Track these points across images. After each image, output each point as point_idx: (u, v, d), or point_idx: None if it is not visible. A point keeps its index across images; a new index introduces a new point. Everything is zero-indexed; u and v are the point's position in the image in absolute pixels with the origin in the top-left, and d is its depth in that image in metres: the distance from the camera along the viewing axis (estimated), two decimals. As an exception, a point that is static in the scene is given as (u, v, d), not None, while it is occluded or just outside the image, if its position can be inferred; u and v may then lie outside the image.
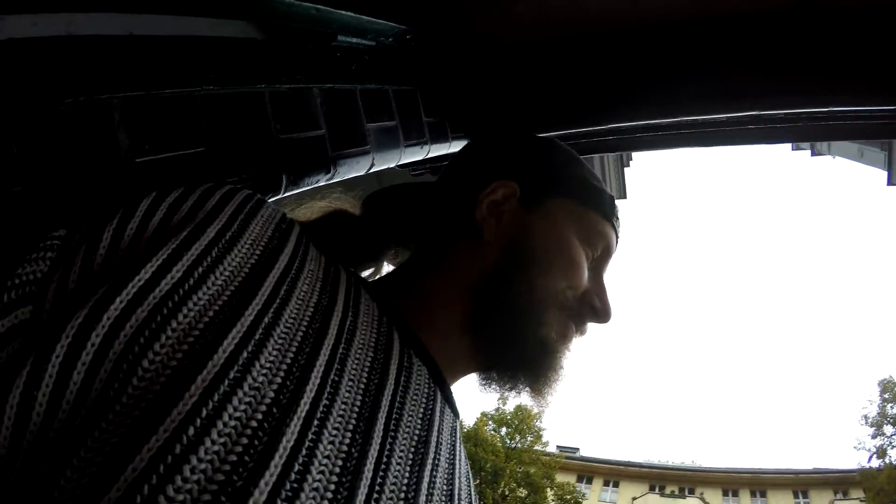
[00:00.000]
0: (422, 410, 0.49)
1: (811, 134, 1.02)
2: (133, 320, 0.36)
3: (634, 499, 17.69)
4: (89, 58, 0.49)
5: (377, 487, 0.39)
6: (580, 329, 0.63)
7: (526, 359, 0.59)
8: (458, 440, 0.54)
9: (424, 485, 0.44)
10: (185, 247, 0.41)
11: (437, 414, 0.50)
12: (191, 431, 0.32)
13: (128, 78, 0.51)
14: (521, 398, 0.63)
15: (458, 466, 0.52)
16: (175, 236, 0.42)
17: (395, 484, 0.41)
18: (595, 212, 0.64)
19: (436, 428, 0.49)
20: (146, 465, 0.31)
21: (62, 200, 0.46)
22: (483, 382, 0.62)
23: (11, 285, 0.38)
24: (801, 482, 16.91)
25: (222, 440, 0.33)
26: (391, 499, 0.40)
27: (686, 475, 18.48)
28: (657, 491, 17.99)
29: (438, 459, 0.48)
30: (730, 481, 17.81)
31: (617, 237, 0.67)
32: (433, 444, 0.48)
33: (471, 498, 0.55)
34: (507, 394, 0.62)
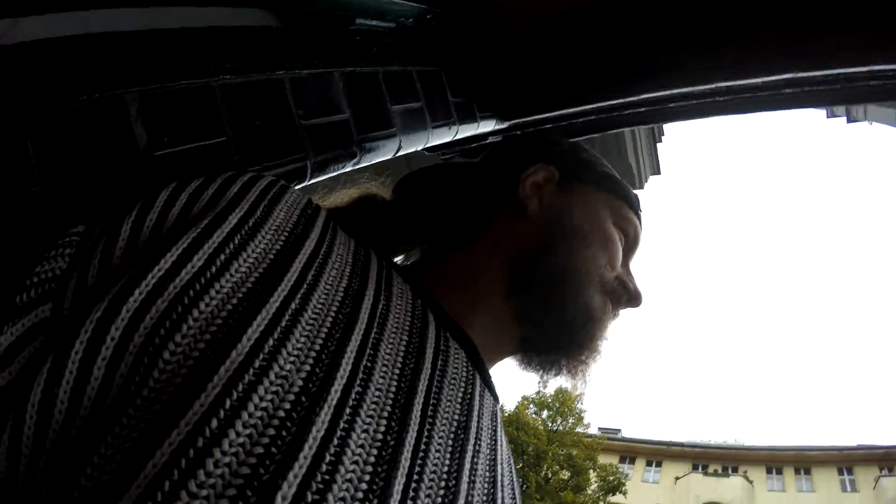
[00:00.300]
0: (460, 395, 0.46)
1: (850, 96, 0.97)
2: (153, 311, 0.35)
3: (677, 478, 17.50)
4: (102, 54, 0.48)
5: (416, 476, 0.37)
6: (615, 311, 0.64)
7: (567, 327, 0.59)
8: (498, 425, 0.52)
9: (466, 471, 0.42)
10: (206, 235, 0.40)
11: (477, 398, 0.48)
12: (214, 424, 0.31)
13: (142, 72, 0.50)
14: (559, 380, 0.63)
15: (499, 452, 0.49)
16: (196, 225, 0.40)
17: (434, 472, 0.39)
18: (623, 201, 0.67)
19: (475, 412, 0.47)
20: (167, 461, 0.29)
21: (82, 199, 0.45)
22: (522, 361, 0.62)
23: (30, 284, 0.37)
24: (845, 459, 16.52)
25: (248, 432, 0.31)
26: (431, 487, 0.38)
27: (729, 453, 18.21)
28: (700, 470, 17.76)
29: (479, 445, 0.45)
30: (773, 459, 17.53)
31: (642, 229, 0.70)
32: (473, 429, 0.46)
33: (513, 484, 0.53)
34: (544, 373, 0.62)
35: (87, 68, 0.47)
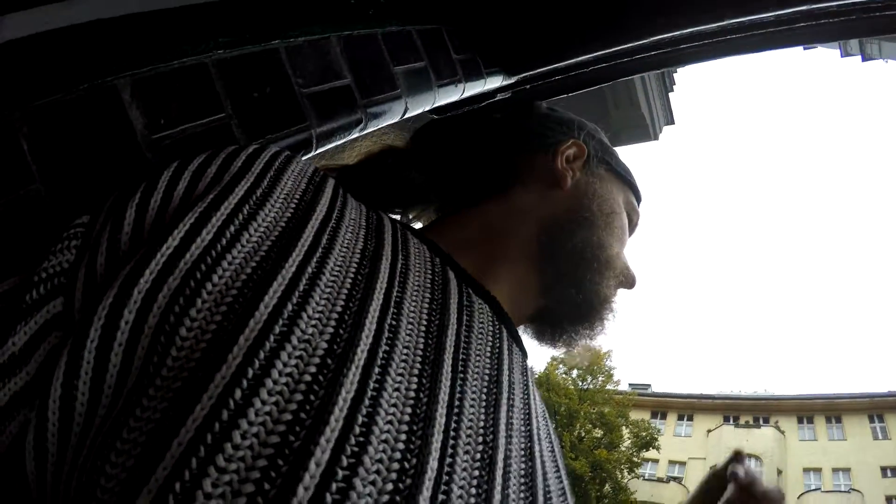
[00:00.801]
0: (489, 349, 0.45)
1: (867, 28, 0.91)
2: (165, 290, 0.34)
3: (709, 431, 17.60)
4: (89, 43, 0.46)
5: (452, 433, 0.36)
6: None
7: (587, 305, 0.60)
8: (529, 380, 0.50)
9: (502, 426, 0.41)
10: (213, 208, 0.38)
11: (506, 352, 0.47)
12: (237, 395, 0.30)
13: (132, 56, 0.48)
14: (547, 348, 0.65)
15: (533, 406, 0.48)
16: (202, 201, 0.39)
17: (471, 427, 0.38)
18: (634, 193, 0.70)
19: (506, 366, 0.46)
20: (192, 437, 0.28)
21: (84, 192, 0.43)
22: (535, 331, 0.62)
23: (39, 280, 0.36)
24: (876, 406, 16.51)
25: (273, 399, 0.30)
26: (469, 443, 0.37)
27: (759, 404, 18.31)
28: (731, 422, 17.84)
29: (513, 399, 0.44)
30: (804, 408, 17.61)
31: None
32: (505, 383, 0.44)
33: (550, 437, 0.51)
34: (555, 345, 0.62)
35: (74, 59, 0.45)
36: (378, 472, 0.30)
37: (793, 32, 0.93)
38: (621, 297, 0.67)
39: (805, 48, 1.03)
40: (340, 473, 0.29)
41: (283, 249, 0.38)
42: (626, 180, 0.69)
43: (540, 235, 0.59)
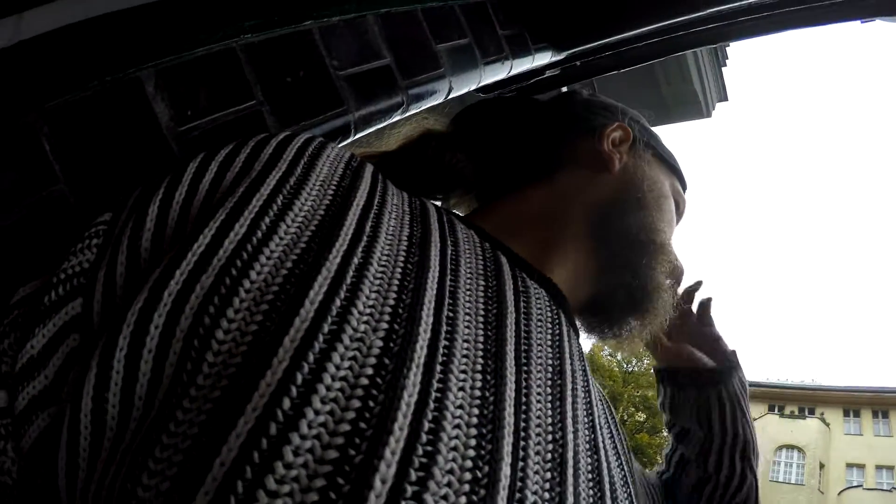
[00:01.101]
0: (549, 337, 0.42)
1: None
2: (198, 290, 0.30)
3: (754, 419, 17.17)
4: (109, 36, 0.44)
5: (522, 434, 0.32)
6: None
7: (642, 292, 0.56)
8: (585, 363, 0.47)
9: (569, 420, 0.37)
10: (244, 202, 0.35)
11: (566, 339, 0.44)
12: (286, 404, 0.26)
13: (155, 46, 0.45)
14: (613, 343, 0.61)
15: (593, 393, 0.44)
16: (231, 194, 0.36)
17: (539, 426, 0.34)
18: (679, 180, 0.67)
19: (567, 354, 0.42)
20: (237, 457, 0.24)
21: (108, 189, 0.41)
22: (585, 322, 0.59)
23: (58, 281, 0.34)
24: None
25: (328, 408, 0.27)
26: (539, 443, 0.33)
27: (806, 394, 17.74)
28: (776, 411, 17.38)
29: (577, 389, 0.41)
30: (851, 400, 16.91)
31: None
32: (569, 372, 0.41)
33: (609, 423, 0.48)
34: (606, 336, 0.59)
35: (94, 53, 0.43)
36: (449, 484, 0.27)
37: (856, 3, 0.86)
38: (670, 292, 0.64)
39: (863, 21, 0.95)
40: (409, 490, 0.25)
41: (324, 240, 0.35)
42: (671, 166, 0.66)
43: (591, 218, 0.56)
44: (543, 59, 0.85)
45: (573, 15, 0.87)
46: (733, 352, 0.78)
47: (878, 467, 14.85)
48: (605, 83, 1.19)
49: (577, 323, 0.58)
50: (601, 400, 0.49)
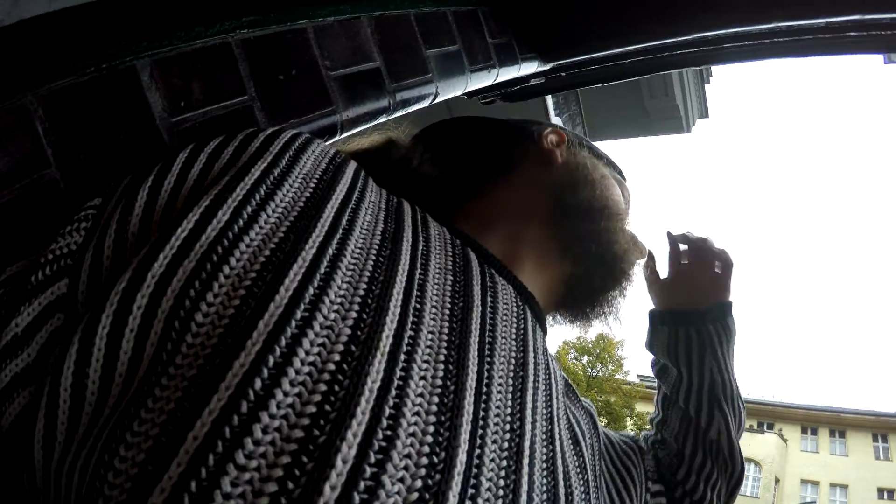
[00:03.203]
0: (514, 331, 0.44)
1: None
2: (180, 273, 0.32)
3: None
4: (107, 22, 0.44)
5: (480, 422, 0.34)
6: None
7: (609, 262, 0.59)
8: (550, 358, 0.49)
9: (528, 411, 0.39)
10: (228, 190, 0.36)
11: (531, 332, 0.45)
12: (258, 385, 0.28)
13: (152, 35, 0.46)
14: (581, 326, 0.64)
15: (553, 386, 0.46)
16: (217, 183, 0.37)
17: (498, 415, 0.36)
18: (615, 170, 0.70)
19: (531, 348, 0.44)
20: (209, 431, 0.26)
21: (99, 176, 0.41)
22: (568, 309, 0.61)
23: (45, 261, 0.35)
24: (882, 425, 16.19)
25: (296, 391, 0.28)
26: (497, 432, 0.35)
27: (765, 409, 18.08)
28: (735, 423, 17.64)
29: (538, 382, 0.43)
30: (809, 419, 17.36)
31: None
32: (531, 365, 0.43)
33: (568, 414, 0.51)
34: (575, 318, 0.61)
35: (91, 39, 0.43)
36: (406, 468, 0.29)
37: (842, 40, 0.88)
38: (637, 273, 0.66)
39: (849, 55, 0.98)
40: (368, 471, 0.27)
41: (302, 230, 0.36)
42: (608, 161, 0.70)
43: (547, 200, 0.59)
44: (530, 68, 0.87)
45: (562, 28, 0.89)
46: (726, 303, 0.78)
47: (833, 485, 15.19)
48: (588, 93, 1.22)
49: (565, 315, 0.61)
50: (563, 391, 0.51)
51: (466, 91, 0.75)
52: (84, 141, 0.41)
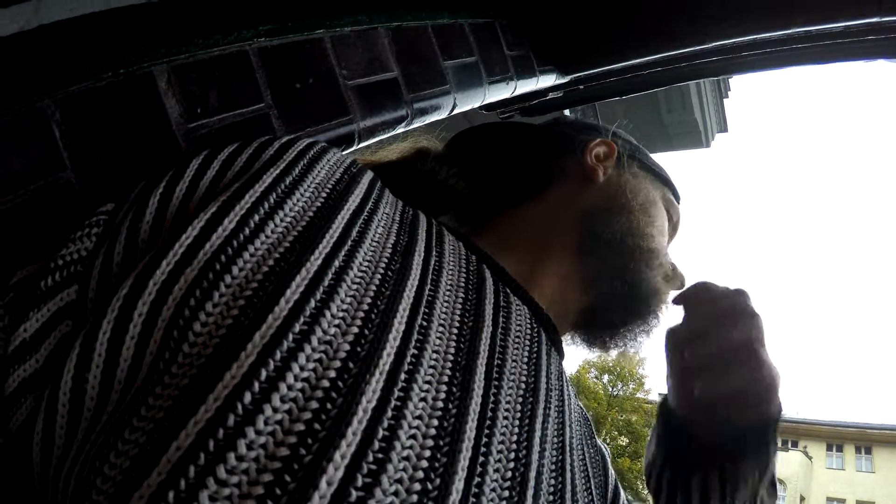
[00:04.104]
0: (526, 354, 0.42)
1: None
2: (182, 282, 0.31)
3: (733, 451, 17.10)
4: (126, 28, 0.45)
5: (483, 449, 0.32)
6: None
7: (635, 298, 0.56)
8: (565, 383, 0.46)
9: (536, 440, 0.37)
10: (237, 197, 0.35)
11: (545, 357, 0.43)
12: (247, 399, 0.27)
13: (171, 42, 0.46)
14: (597, 351, 0.61)
15: (567, 413, 0.44)
16: (227, 190, 0.36)
17: (503, 443, 0.34)
18: (670, 189, 0.67)
19: (544, 373, 0.42)
20: (193, 442, 0.25)
21: (114, 181, 0.41)
22: (582, 335, 0.59)
23: (55, 267, 0.34)
24: None
25: (286, 407, 0.27)
26: (500, 461, 0.33)
27: (790, 427, 17.63)
28: (759, 443, 17.28)
29: (549, 409, 0.41)
30: (834, 435, 16.98)
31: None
32: (542, 391, 0.41)
33: (583, 445, 0.48)
34: (604, 347, 0.59)
35: (110, 45, 0.43)
36: (397, 493, 0.27)
37: (860, 45, 0.87)
38: (670, 297, 0.63)
39: (868, 60, 0.97)
40: (354, 494, 0.26)
41: (309, 241, 0.35)
42: (661, 177, 0.67)
43: (578, 228, 0.57)
44: (547, 81, 0.87)
45: (579, 40, 0.89)
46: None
47: (859, 502, 14.84)
48: (606, 108, 1.21)
49: (580, 338, 0.59)
50: (580, 421, 0.48)
51: (485, 103, 0.75)
52: (100, 144, 0.41)
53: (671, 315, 0.59)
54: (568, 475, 0.40)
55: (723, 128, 2.87)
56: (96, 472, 0.27)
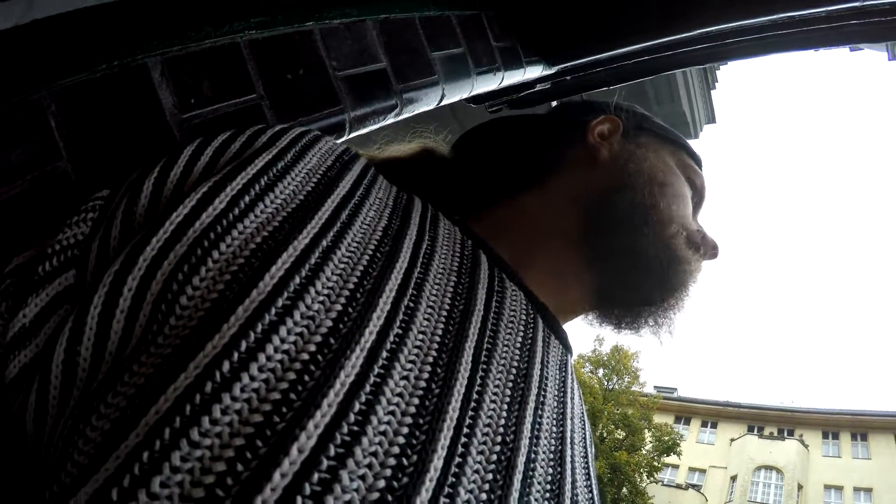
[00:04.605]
0: (519, 340, 0.41)
1: None
2: (171, 257, 0.32)
3: (733, 440, 17.21)
4: (120, 21, 0.45)
5: (466, 430, 0.33)
6: (700, 264, 0.59)
7: (649, 271, 0.54)
8: (569, 375, 0.46)
9: (527, 425, 0.37)
10: (228, 178, 0.36)
11: (540, 344, 0.43)
12: (226, 367, 0.27)
13: (164, 34, 0.47)
14: (630, 334, 0.58)
15: (569, 406, 0.44)
16: (219, 172, 0.37)
17: (489, 425, 0.34)
18: (687, 153, 0.64)
19: (538, 360, 0.42)
20: (170, 406, 0.26)
21: (109, 170, 0.42)
22: (599, 316, 0.57)
23: (52, 252, 0.35)
24: None
25: (264, 376, 0.28)
26: (485, 442, 0.33)
27: (785, 416, 17.79)
28: (756, 432, 17.39)
29: (544, 397, 0.40)
30: (830, 423, 17.05)
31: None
32: (536, 378, 0.40)
33: (586, 441, 0.47)
34: (625, 327, 0.57)
35: (105, 37, 0.44)
36: (370, 466, 0.28)
37: (844, 30, 0.89)
38: (704, 269, 0.60)
39: (851, 49, 0.98)
40: (325, 463, 0.26)
41: (298, 221, 0.36)
42: (675, 142, 0.64)
43: (579, 212, 0.56)
44: (535, 72, 0.88)
45: (565, 31, 0.90)
46: None
47: (856, 489, 14.92)
48: (594, 99, 1.22)
49: (596, 317, 0.58)
50: (581, 419, 0.48)
51: (473, 94, 0.76)
52: (96, 135, 0.42)
53: (703, 286, 0.57)
54: (568, 468, 0.40)
55: (711, 119, 2.90)
56: (79, 433, 0.28)
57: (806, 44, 0.95)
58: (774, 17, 0.86)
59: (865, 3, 0.78)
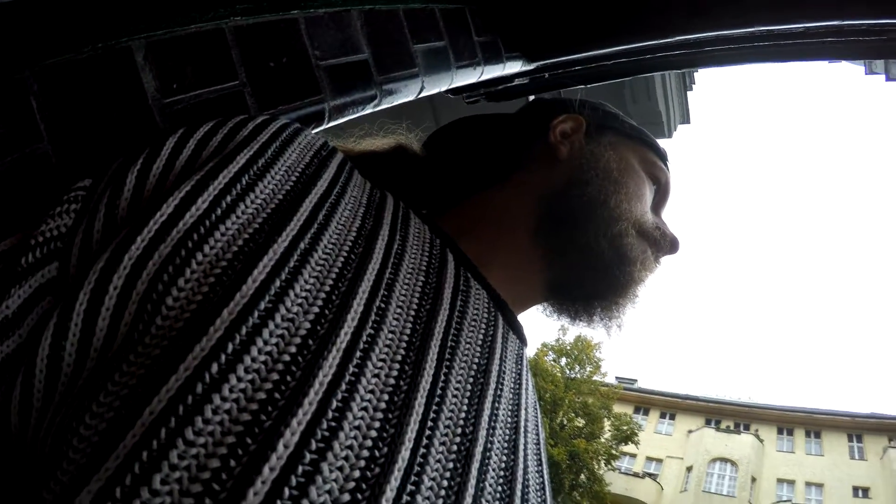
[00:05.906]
0: (481, 337, 0.44)
1: (892, 51, 0.89)
2: (156, 257, 0.33)
3: (690, 431, 17.71)
4: (106, 4, 0.45)
5: (430, 423, 0.35)
6: (657, 260, 0.62)
7: (601, 267, 0.56)
8: (524, 368, 0.49)
9: (485, 417, 0.40)
10: (211, 177, 0.38)
11: (500, 340, 0.46)
12: (214, 369, 0.29)
13: (149, 18, 0.47)
14: (591, 327, 0.60)
15: (524, 396, 0.47)
16: (201, 169, 0.38)
17: (450, 418, 0.37)
18: (651, 150, 0.66)
19: (497, 355, 0.45)
20: (164, 408, 0.28)
21: (91, 154, 0.42)
22: (553, 307, 0.60)
23: (35, 244, 0.35)
24: (856, 426, 16.58)
25: (250, 377, 0.30)
26: (447, 434, 0.36)
27: (742, 410, 18.33)
28: (713, 425, 17.91)
29: (501, 389, 0.43)
30: (785, 420, 17.66)
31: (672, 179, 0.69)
32: (494, 373, 0.43)
33: (538, 429, 0.50)
34: (576, 319, 0.59)
35: (89, 18, 0.44)
36: (347, 458, 0.30)
37: (821, 46, 0.92)
38: (663, 264, 0.63)
39: (830, 61, 1.02)
40: (308, 457, 0.29)
41: (277, 223, 0.37)
42: (640, 140, 0.65)
43: (535, 209, 0.58)
44: (514, 67, 0.89)
45: (547, 29, 0.91)
46: None
47: (808, 484, 15.49)
48: (571, 96, 1.24)
49: (549, 308, 0.60)
50: (534, 408, 0.51)
51: (452, 87, 0.77)
52: (77, 117, 0.42)
53: (658, 281, 0.60)
54: (521, 455, 0.43)
55: (685, 119, 2.96)
56: (72, 431, 0.29)
57: (784, 56, 0.98)
58: (753, 29, 0.88)
59: (844, 23, 0.80)
